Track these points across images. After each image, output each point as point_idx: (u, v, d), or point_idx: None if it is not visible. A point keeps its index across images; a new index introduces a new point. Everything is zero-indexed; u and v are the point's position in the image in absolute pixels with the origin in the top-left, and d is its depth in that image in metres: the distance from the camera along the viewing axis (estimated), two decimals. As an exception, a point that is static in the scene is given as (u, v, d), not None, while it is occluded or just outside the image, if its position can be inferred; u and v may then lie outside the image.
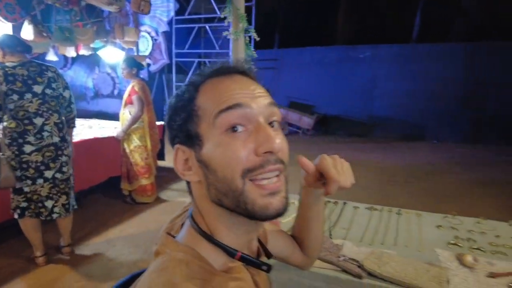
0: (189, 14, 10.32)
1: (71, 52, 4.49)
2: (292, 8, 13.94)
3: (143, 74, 9.51)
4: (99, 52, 4.56)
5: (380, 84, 9.53)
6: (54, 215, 2.48)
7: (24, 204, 2.39)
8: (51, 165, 2.42)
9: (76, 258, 2.67)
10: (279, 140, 0.51)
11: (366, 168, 6.09)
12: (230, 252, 0.54)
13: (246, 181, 0.50)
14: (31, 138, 2.33)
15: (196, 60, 10.75)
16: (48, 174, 2.41)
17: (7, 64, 2.31)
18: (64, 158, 2.49)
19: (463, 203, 4.27)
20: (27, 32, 3.52)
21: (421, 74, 9.02)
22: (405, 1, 12.08)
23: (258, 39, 2.27)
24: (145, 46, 9.95)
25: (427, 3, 11.58)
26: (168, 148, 4.62)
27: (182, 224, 0.61)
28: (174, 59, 10.49)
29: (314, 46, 10.55)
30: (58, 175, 2.46)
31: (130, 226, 3.29)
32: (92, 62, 10.47)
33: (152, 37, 9.98)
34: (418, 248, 1.24)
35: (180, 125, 0.55)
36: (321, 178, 0.64)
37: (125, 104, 3.65)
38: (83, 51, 4.37)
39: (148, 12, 4.21)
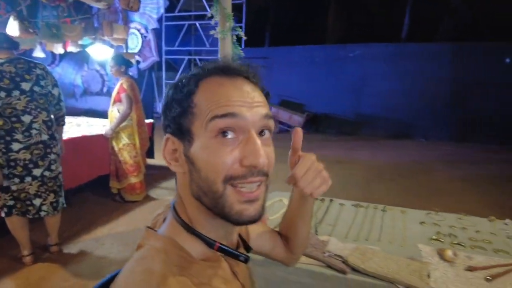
0: (179, 11, 10.25)
1: (58, 49, 4.42)
2: (283, 6, 13.96)
3: (133, 71, 9.40)
4: (87, 49, 4.51)
5: (369, 83, 9.62)
6: (42, 213, 2.46)
7: (11, 203, 2.36)
8: (40, 163, 2.40)
9: (64, 257, 2.65)
10: (264, 154, 0.52)
11: (354, 165, 6.17)
12: (209, 243, 0.56)
13: (227, 186, 0.51)
14: (19, 136, 2.30)
15: (186, 57, 10.70)
16: (37, 172, 2.39)
17: None
18: (53, 156, 2.47)
19: (448, 199, 4.37)
20: (13, 28, 3.46)
21: (410, 73, 9.14)
22: (395, 0, 12.21)
23: (245, 38, 2.28)
24: (134, 43, 9.84)
25: (416, 2, 11.73)
26: (157, 146, 4.60)
27: (164, 220, 0.62)
28: (164, 57, 10.41)
29: (305, 44, 10.59)
30: (46, 173, 2.44)
31: (119, 224, 3.28)
32: (80, 59, 10.31)
33: (141, 34, 9.88)
34: (402, 244, 1.28)
35: (175, 117, 0.55)
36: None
37: (114, 102, 3.63)
38: (71, 48, 4.31)
39: (138, 10, 4.17)
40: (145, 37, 9.90)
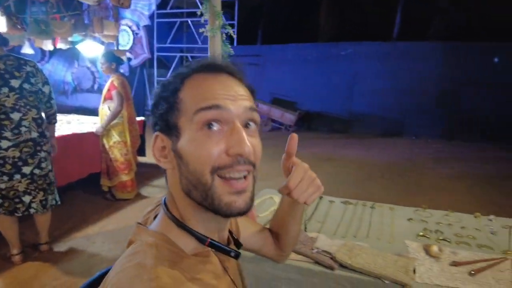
0: (171, 8, 10.19)
1: (48, 46, 4.37)
2: (276, 4, 13.95)
3: (124, 68, 9.36)
4: (77, 46, 4.46)
5: (361, 81, 9.70)
6: (32, 210, 2.44)
7: (-1, 201, 2.34)
8: (29, 161, 2.37)
9: (55, 256, 2.63)
10: (250, 144, 0.53)
11: (345, 163, 6.22)
12: (200, 238, 0.57)
13: (215, 177, 0.52)
14: (7, 134, 2.27)
15: (178, 54, 10.65)
16: (26, 170, 2.37)
17: None
18: (43, 154, 2.44)
19: (437, 196, 4.44)
20: (0, 24, 3.41)
21: (401, 71, 9.23)
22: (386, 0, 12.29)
23: (234, 36, 2.29)
24: (126, 40, 9.77)
25: (407, 2, 11.82)
26: (148, 144, 4.56)
27: (155, 217, 0.63)
28: (155, 54, 10.35)
29: (297, 42, 10.62)
30: (36, 171, 2.41)
31: (110, 222, 3.26)
32: (71, 55, 10.21)
33: (133, 31, 9.81)
34: (389, 240, 1.31)
35: (162, 114, 0.57)
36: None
37: (104, 100, 3.60)
38: (60, 45, 4.26)
39: (129, 6, 4.14)
40: (136, 34, 9.83)
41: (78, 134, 3.66)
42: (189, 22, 10.07)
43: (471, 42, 9.02)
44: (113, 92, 3.46)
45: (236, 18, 11.04)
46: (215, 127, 0.53)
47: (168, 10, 10.05)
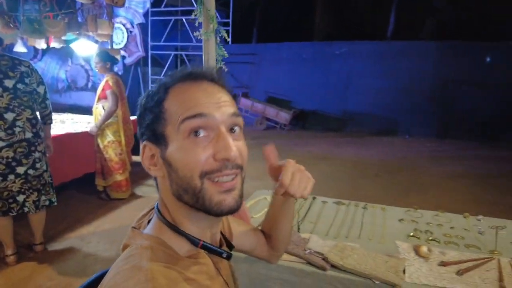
0: (165, 6, 10.13)
1: (41, 44, 4.34)
2: (271, 3, 13.95)
3: (118, 67, 9.29)
4: (71, 45, 4.43)
5: (355, 80, 9.75)
6: (25, 209, 2.44)
7: (-7, 202, 2.33)
8: (24, 161, 2.37)
9: (49, 256, 2.63)
10: (236, 148, 0.56)
11: (340, 162, 6.26)
12: (193, 241, 0.59)
13: (204, 181, 0.55)
14: (1, 134, 2.27)
15: (173, 53, 10.60)
16: (20, 170, 2.37)
17: None
18: (37, 154, 2.44)
19: (429, 195, 4.49)
20: (-7, 23, 3.38)
21: (395, 70, 9.29)
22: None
23: (229, 39, 2.31)
24: (120, 38, 9.70)
25: (402, 1, 11.90)
26: (144, 143, 4.57)
27: (149, 221, 0.65)
28: (150, 52, 10.29)
29: (292, 41, 10.63)
30: (31, 172, 2.41)
31: (105, 222, 3.26)
32: (64, 53, 10.11)
33: (127, 29, 9.74)
34: (380, 241, 1.33)
35: (148, 124, 0.59)
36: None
37: (99, 99, 3.59)
38: (54, 44, 4.23)
39: (123, 5, 4.12)
40: (130, 32, 9.77)
41: (72, 134, 3.65)
42: (184, 20, 10.02)
43: (464, 41, 9.11)
44: (108, 92, 3.45)
45: (231, 16, 11.02)
46: (202, 134, 0.55)
47: (162, 8, 10.00)
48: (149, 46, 10.23)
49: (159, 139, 0.57)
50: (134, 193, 3.97)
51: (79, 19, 4.74)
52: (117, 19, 9.45)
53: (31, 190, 2.44)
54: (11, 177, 2.34)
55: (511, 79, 8.37)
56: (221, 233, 0.72)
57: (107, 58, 3.54)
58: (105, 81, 3.53)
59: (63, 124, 4.18)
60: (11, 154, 2.32)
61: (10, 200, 2.36)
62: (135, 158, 4.25)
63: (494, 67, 8.66)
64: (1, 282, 2.31)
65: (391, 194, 4.51)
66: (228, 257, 0.65)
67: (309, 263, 1.12)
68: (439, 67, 9.02)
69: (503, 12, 10.53)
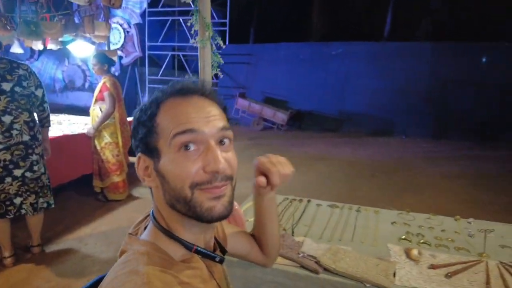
0: (162, 6, 10.13)
1: (38, 45, 4.34)
2: (268, 3, 13.96)
3: (115, 67, 9.28)
4: (68, 46, 4.44)
5: (352, 81, 9.79)
6: (22, 211, 2.45)
7: (-10, 205, 2.34)
8: (21, 163, 2.39)
9: (47, 258, 2.65)
10: (224, 161, 0.59)
11: (336, 162, 6.30)
12: (187, 246, 0.62)
13: (194, 191, 0.58)
14: None
15: (170, 53, 10.60)
16: (17, 172, 2.38)
17: None
18: (34, 157, 2.45)
19: (425, 195, 4.54)
20: (-10, 25, 3.39)
21: (391, 71, 9.34)
22: (377, 0, 12.42)
23: (224, 46, 2.33)
24: (117, 39, 9.69)
25: (398, 2, 11.95)
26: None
27: (145, 228, 0.68)
28: (147, 52, 10.29)
29: (289, 41, 10.67)
30: (28, 174, 2.43)
31: (102, 223, 3.28)
32: (61, 53, 10.09)
33: (124, 29, 9.73)
34: (373, 244, 1.36)
35: (142, 137, 0.62)
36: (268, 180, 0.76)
37: (96, 101, 3.61)
38: (51, 46, 4.24)
39: (120, 7, 4.13)
40: (127, 32, 9.76)
41: (69, 135, 3.66)
42: (181, 20, 10.02)
43: (460, 42, 9.17)
44: (105, 94, 3.47)
45: (228, 16, 11.02)
46: (192, 147, 0.58)
47: (159, 9, 9.99)
48: (146, 46, 10.22)
49: (152, 152, 0.60)
50: (131, 194, 3.99)
51: (76, 20, 4.75)
52: (114, 19, 9.44)
53: (28, 193, 2.45)
54: (8, 179, 2.35)
55: (507, 79, 8.45)
56: (215, 238, 0.74)
57: (105, 60, 3.56)
58: (102, 83, 3.54)
59: (60, 125, 4.19)
60: (8, 156, 2.33)
61: (7, 203, 2.38)
62: (132, 159, 4.27)
63: (490, 68, 8.73)
64: (-1, 284, 2.33)
65: (387, 194, 4.55)
66: (221, 261, 0.68)
67: (303, 266, 1.15)
68: (435, 68, 9.08)
69: (499, 12, 10.61)
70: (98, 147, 3.64)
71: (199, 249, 0.63)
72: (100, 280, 0.71)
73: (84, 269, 2.53)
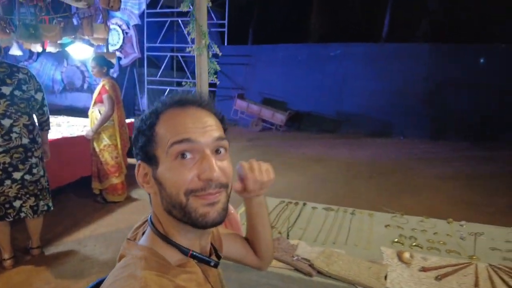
0: (161, 8, 10.16)
1: (37, 48, 4.36)
2: (266, 4, 14.00)
3: (114, 68, 9.30)
4: (67, 49, 4.46)
5: (350, 82, 9.82)
6: (22, 214, 2.48)
7: (-11, 207, 2.37)
8: (20, 166, 2.41)
9: (46, 260, 2.67)
10: (219, 169, 0.62)
11: (334, 163, 6.33)
12: (183, 251, 0.65)
13: (189, 197, 0.61)
14: None
15: (169, 54, 10.62)
16: (17, 175, 2.41)
17: None
18: (34, 160, 2.48)
19: (422, 197, 4.57)
20: (-10, 28, 3.41)
21: (389, 72, 9.37)
22: (376, 1, 12.46)
23: (220, 54, 2.37)
24: (115, 40, 9.71)
25: (396, 3, 12.00)
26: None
27: (143, 233, 0.71)
28: (145, 53, 10.31)
29: (288, 42, 10.70)
30: (27, 177, 2.45)
31: (101, 225, 3.30)
32: (60, 54, 10.09)
33: (123, 30, 9.76)
34: (366, 247, 1.39)
35: (141, 146, 0.65)
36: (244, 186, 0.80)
37: (95, 103, 3.63)
38: (50, 48, 4.27)
39: (118, 9, 4.15)
40: (126, 33, 9.79)
41: (68, 138, 3.68)
42: (180, 21, 10.05)
43: (457, 43, 9.22)
44: (104, 96, 3.50)
45: (226, 17, 11.06)
46: (188, 156, 0.61)
47: (158, 10, 10.02)
48: (145, 47, 10.25)
49: (151, 160, 0.64)
50: (130, 196, 4.02)
51: (75, 22, 4.78)
52: (113, 20, 9.46)
53: (28, 195, 2.47)
54: (8, 182, 2.38)
55: (504, 81, 8.49)
56: (211, 242, 0.77)
57: (104, 62, 3.58)
58: (101, 85, 3.57)
59: (59, 127, 4.21)
60: (7, 159, 2.36)
61: (7, 205, 2.40)
62: (131, 161, 4.30)
63: (487, 69, 8.78)
64: (-2, 286, 2.35)
65: (385, 195, 4.58)
66: (215, 266, 0.71)
67: (297, 269, 1.18)
68: (433, 69, 9.12)
69: (496, 14, 10.68)
70: (97, 149, 3.66)
71: (194, 254, 0.66)
72: (100, 283, 0.74)
73: (83, 271, 2.56)
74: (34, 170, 2.49)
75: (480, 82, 8.70)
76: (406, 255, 1.27)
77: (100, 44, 4.46)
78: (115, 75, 9.55)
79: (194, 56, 1.99)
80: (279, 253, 1.24)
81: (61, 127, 4.22)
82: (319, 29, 12.95)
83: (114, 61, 4.41)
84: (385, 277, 1.15)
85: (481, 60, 8.97)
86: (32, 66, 10.90)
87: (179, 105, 0.66)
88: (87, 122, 3.94)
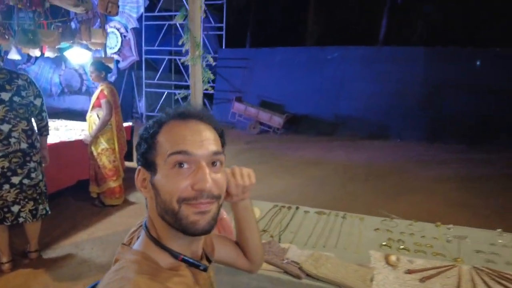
0: (159, 11, 10.21)
1: (35, 52, 4.40)
2: (264, 7, 14.07)
3: (112, 71, 9.35)
4: (65, 53, 4.50)
5: (347, 85, 9.89)
6: (20, 219, 2.51)
7: (-13, 211, 2.40)
8: (19, 171, 2.45)
9: (44, 263, 2.70)
10: (212, 181, 0.66)
11: (331, 166, 6.38)
12: (174, 255, 0.70)
13: (181, 205, 0.65)
14: None
15: (167, 57, 10.67)
16: (15, 180, 2.44)
17: None
18: (32, 164, 2.52)
19: (418, 199, 4.62)
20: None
21: (386, 75, 9.44)
22: (373, 4, 12.56)
23: (214, 63, 2.42)
24: (114, 43, 9.78)
25: (393, 7, 12.09)
26: (137, 149, 4.62)
27: (138, 237, 0.75)
28: (143, 56, 10.36)
29: (285, 45, 10.76)
30: (26, 181, 2.49)
31: (99, 229, 3.34)
32: (58, 58, 10.10)
33: (121, 33, 9.82)
34: (355, 250, 1.43)
35: (143, 152, 0.70)
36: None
37: (93, 107, 3.67)
38: (48, 53, 4.30)
39: (116, 14, 4.21)
40: (124, 36, 9.85)
41: (66, 142, 3.72)
42: (178, 25, 10.10)
43: (453, 47, 9.31)
44: (103, 101, 3.54)
45: (224, 20, 11.12)
46: (185, 166, 0.66)
47: (156, 13, 10.07)
48: (143, 51, 10.30)
49: (150, 166, 0.69)
50: (128, 199, 4.05)
51: (73, 25, 4.82)
52: (111, 24, 9.52)
53: (26, 200, 2.51)
54: (6, 186, 2.41)
55: (498, 84, 8.58)
56: (203, 247, 0.82)
57: (102, 67, 3.63)
58: (100, 90, 3.61)
59: (57, 131, 4.24)
60: (6, 164, 2.39)
61: (5, 210, 2.44)
62: (128, 164, 4.33)
63: (483, 72, 8.87)
64: (-3, 289, 2.38)
65: (382, 198, 4.62)
66: (205, 270, 0.75)
67: (286, 272, 1.22)
68: (429, 72, 9.20)
69: (490, 18, 10.78)
70: (95, 153, 3.70)
71: (185, 258, 0.70)
72: (97, 285, 0.78)
73: (81, 274, 2.59)
74: (33, 175, 2.52)
75: (475, 85, 8.79)
76: (393, 258, 1.31)
77: (98, 48, 4.51)
78: (113, 78, 9.60)
79: None
80: (269, 256, 1.28)
81: (59, 131, 4.25)
82: (316, 32, 13.03)
83: (112, 66, 4.46)
84: (371, 280, 1.19)
85: (477, 63, 9.06)
86: (30, 69, 10.93)
87: (181, 118, 0.70)
88: (85, 126, 3.97)
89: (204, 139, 0.68)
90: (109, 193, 3.79)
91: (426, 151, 8.05)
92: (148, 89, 10.69)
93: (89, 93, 10.38)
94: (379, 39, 12.03)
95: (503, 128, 8.56)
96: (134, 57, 10.01)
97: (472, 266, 1.29)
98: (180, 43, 1.98)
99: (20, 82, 2.44)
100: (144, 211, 0.76)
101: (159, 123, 0.70)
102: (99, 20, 4.99)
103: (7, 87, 2.38)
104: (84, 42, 4.33)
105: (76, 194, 3.99)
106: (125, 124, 4.33)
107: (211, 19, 11.08)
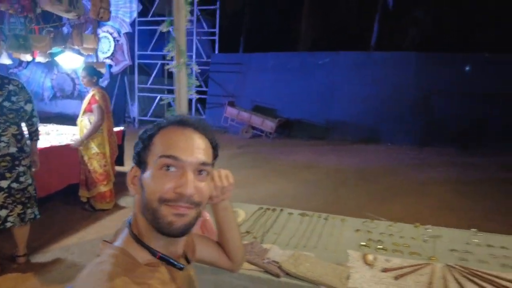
0: (152, 16, 10.27)
1: (26, 57, 4.42)
2: (257, 13, 14.19)
3: (105, 75, 9.35)
4: (56, 58, 4.52)
5: (338, 89, 10.01)
6: (8, 224, 2.52)
7: (-25, 215, 2.41)
8: (7, 175, 2.46)
9: (33, 267, 2.70)
10: (194, 188, 0.71)
11: (323, 169, 6.45)
12: (152, 252, 0.74)
13: (161, 205, 0.70)
14: None
15: (160, 62, 10.71)
16: (4, 184, 2.46)
17: None
18: (21, 168, 2.53)
19: (409, 202, 4.68)
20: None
21: (377, 80, 9.58)
22: (365, 10, 12.74)
23: (199, 70, 2.48)
24: (106, 47, 9.79)
25: (385, 13, 12.28)
26: (127, 154, 4.64)
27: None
28: (136, 61, 10.38)
29: (278, 50, 10.88)
30: (14, 185, 2.50)
31: (89, 233, 3.34)
32: (50, 62, 10.13)
33: (114, 38, 9.84)
34: (335, 250, 1.48)
35: (138, 151, 0.76)
36: None
37: (84, 112, 3.68)
38: (39, 58, 4.32)
39: (108, 20, 4.25)
40: (117, 41, 9.87)
41: (56, 146, 3.73)
42: (171, 30, 10.14)
43: (443, 52, 9.48)
44: (94, 106, 3.56)
45: (217, 25, 11.21)
46: (172, 169, 0.71)
47: (149, 18, 10.13)
48: (136, 55, 10.33)
49: (142, 164, 0.74)
50: (118, 204, 4.06)
51: (65, 30, 4.85)
52: (104, 28, 9.54)
53: (15, 204, 2.52)
54: (-5, 190, 2.42)
55: (489, 89, 8.75)
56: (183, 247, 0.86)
57: (94, 72, 3.65)
58: (91, 95, 3.63)
59: (48, 135, 4.25)
60: None
61: (-7, 214, 2.44)
62: (119, 169, 4.34)
63: (473, 77, 9.04)
64: (-15, 294, 2.39)
65: (372, 201, 4.68)
66: (180, 269, 0.78)
67: (266, 271, 1.26)
68: (421, 77, 9.36)
69: (480, 24, 11.00)
70: (86, 158, 3.71)
71: (162, 256, 0.74)
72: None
73: (70, 278, 2.59)
74: (22, 179, 2.54)
75: (466, 90, 8.96)
76: (370, 257, 1.36)
77: (90, 53, 4.54)
78: (106, 83, 9.60)
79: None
80: (251, 257, 1.33)
81: (50, 136, 4.26)
82: (309, 37, 13.17)
83: (103, 71, 4.49)
84: (348, 278, 1.24)
85: (467, 68, 9.23)
86: (22, 73, 10.89)
87: (179, 124, 0.75)
88: (76, 131, 3.98)
89: (195, 148, 0.73)
90: (99, 198, 3.80)
91: (417, 155, 8.17)
92: (141, 94, 10.71)
93: (81, 97, 10.36)
94: (371, 45, 12.19)
95: (494, 132, 8.72)
96: (127, 62, 10.03)
97: (446, 264, 1.35)
98: (165, 50, 2.04)
99: (11, 87, 2.47)
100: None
101: (158, 127, 0.76)
102: (90, 26, 5.03)
103: None
104: (76, 47, 4.37)
105: (66, 198, 3.99)
106: (117, 129, 4.35)
107: (204, 24, 11.16)
